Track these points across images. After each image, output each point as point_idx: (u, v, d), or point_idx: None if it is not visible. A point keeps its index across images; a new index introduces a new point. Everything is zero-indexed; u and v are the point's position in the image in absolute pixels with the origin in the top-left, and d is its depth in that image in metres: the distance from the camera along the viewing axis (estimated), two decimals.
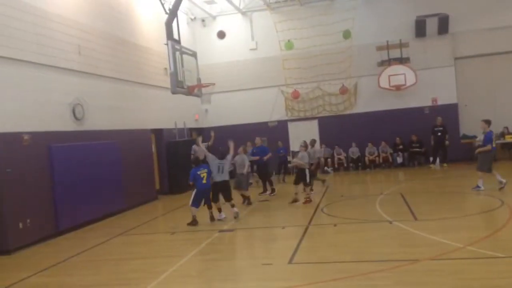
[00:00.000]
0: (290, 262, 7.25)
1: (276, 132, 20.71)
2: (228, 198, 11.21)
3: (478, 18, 19.09)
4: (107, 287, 6.95)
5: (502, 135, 18.75)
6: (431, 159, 18.88)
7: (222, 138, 17.34)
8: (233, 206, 11.16)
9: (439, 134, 18.53)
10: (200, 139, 13.30)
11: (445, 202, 11.52)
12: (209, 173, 11.01)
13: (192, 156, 15.47)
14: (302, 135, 19.61)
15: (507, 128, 18.79)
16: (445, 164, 18.31)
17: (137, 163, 15.04)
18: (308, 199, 12.53)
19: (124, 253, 9.02)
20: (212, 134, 15.24)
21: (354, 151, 19.96)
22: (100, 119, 13.18)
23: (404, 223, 9.04)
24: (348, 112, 20.46)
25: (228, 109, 21.28)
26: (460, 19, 19.17)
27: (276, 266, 7.11)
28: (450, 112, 19.30)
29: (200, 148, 12.50)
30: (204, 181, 10.85)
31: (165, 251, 8.88)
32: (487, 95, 19.41)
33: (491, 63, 19.37)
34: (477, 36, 19.09)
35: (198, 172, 10.88)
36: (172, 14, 13.78)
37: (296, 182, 12.58)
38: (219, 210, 11.20)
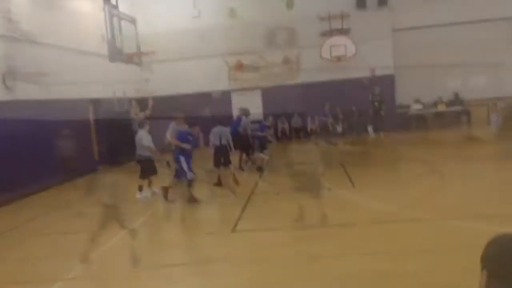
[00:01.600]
0: (233, 230, 7.34)
1: (219, 104, 20.60)
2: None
3: None
4: (45, 260, 6.72)
5: (435, 104, 19.72)
6: (368, 128, 19.58)
7: (164, 109, 17.03)
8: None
9: (376, 104, 19.23)
10: (138, 108, 12.85)
11: (381, 170, 12.04)
12: None
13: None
14: (246, 106, 19.66)
15: (440, 97, 19.75)
16: (381, 133, 19.05)
17: (74, 133, 14.41)
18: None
19: (57, 227, 8.74)
20: (151, 102, 14.48)
21: (297, 121, 20.26)
22: (33, 88, 12.44)
23: (342, 190, 9.36)
24: (290, 82, 20.63)
25: (170, 79, 20.76)
26: None
27: (219, 235, 7.18)
28: (386, 82, 19.94)
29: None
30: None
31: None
32: (422, 66, 20.13)
33: (428, 35, 20.05)
34: (415, 8, 19.65)
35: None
36: None
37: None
38: (139, 188, 10.41)
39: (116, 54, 12.81)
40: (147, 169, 10.41)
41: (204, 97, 20.72)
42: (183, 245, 7.26)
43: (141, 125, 10.71)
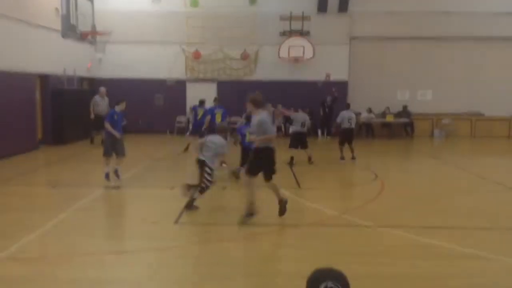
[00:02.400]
0: (176, 222, 7.28)
1: (173, 92, 20.39)
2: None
3: (376, 0, 20.23)
4: None
5: (383, 115, 20.41)
6: (319, 131, 19.98)
7: (116, 92, 16.62)
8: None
9: (327, 109, 19.67)
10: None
11: (327, 173, 12.34)
12: None
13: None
14: (200, 96, 19.51)
15: (388, 108, 20.48)
16: (328, 137, 19.47)
17: (17, 108, 13.77)
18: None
19: None
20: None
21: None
22: None
23: (289, 190, 9.50)
24: (247, 78, 20.64)
25: (124, 61, 20.18)
26: None
27: (162, 225, 7.10)
28: (340, 88, 20.39)
29: None
30: None
31: (43, 205, 8.38)
32: (375, 75, 20.84)
33: (382, 46, 20.74)
34: (373, 19, 20.27)
35: None
36: None
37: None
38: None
39: (70, 31, 12.33)
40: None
41: (158, 84, 20.41)
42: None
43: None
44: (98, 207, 8.62)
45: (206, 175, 7.89)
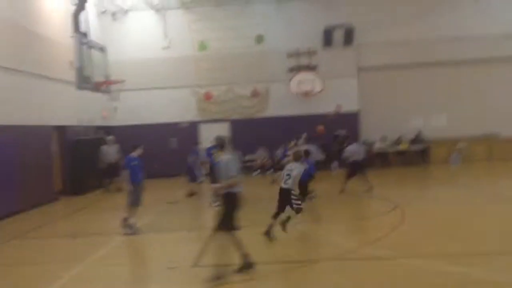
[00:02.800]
0: (194, 265, 7.24)
1: (187, 134, 20.63)
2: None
3: (381, 31, 20.48)
4: None
5: (397, 143, 20.30)
6: (334, 163, 19.87)
7: (132, 138, 16.86)
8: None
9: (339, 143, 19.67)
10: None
11: (345, 205, 12.21)
12: None
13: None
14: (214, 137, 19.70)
15: (401, 136, 20.37)
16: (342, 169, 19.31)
17: (35, 161, 14.03)
18: None
19: (17, 258, 8.42)
20: None
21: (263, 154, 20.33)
22: None
23: (307, 225, 9.42)
24: (259, 115, 20.83)
25: (138, 108, 20.65)
26: (364, 31, 20.39)
27: (180, 270, 7.06)
28: (351, 119, 20.40)
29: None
30: None
31: (63, 256, 8.43)
32: (386, 104, 20.81)
33: (391, 75, 20.78)
34: (379, 49, 20.47)
35: None
36: (80, 5, 13.21)
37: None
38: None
39: (84, 82, 12.73)
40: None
41: (172, 127, 20.69)
42: None
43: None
44: (118, 255, 8.62)
45: (295, 200, 8.45)
